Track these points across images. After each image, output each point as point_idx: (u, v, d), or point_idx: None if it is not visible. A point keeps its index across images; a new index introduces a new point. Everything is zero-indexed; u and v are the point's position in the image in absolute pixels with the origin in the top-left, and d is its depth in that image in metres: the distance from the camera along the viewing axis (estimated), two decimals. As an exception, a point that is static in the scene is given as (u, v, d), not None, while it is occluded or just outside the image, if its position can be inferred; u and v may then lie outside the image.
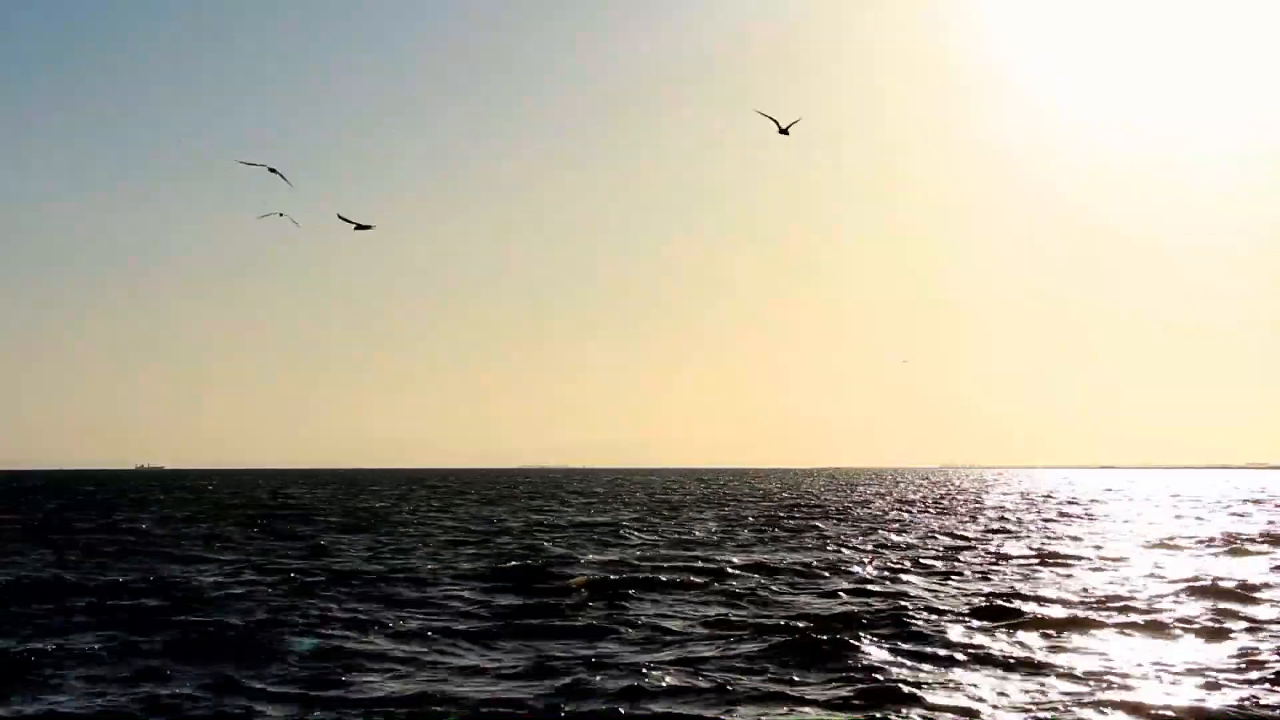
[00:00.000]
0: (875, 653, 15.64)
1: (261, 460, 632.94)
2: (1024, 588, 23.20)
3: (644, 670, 14.68)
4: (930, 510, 60.89)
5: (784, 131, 28.88)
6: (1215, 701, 13.30)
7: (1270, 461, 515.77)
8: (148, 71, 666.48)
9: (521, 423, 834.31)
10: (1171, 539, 37.41)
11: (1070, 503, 70.89)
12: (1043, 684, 14.15)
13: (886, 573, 26.01)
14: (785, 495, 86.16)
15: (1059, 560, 29.17)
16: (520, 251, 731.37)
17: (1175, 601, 21.29)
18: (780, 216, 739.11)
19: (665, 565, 27.50)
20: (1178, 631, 17.90)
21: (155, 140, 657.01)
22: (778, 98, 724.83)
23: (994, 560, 29.57)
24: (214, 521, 48.60)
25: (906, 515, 54.84)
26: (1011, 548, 33.58)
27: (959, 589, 23.09)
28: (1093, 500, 75.73)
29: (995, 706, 13.07)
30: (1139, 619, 18.95)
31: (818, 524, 46.69)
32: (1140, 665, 15.25)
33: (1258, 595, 22.22)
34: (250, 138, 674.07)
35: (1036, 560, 29.32)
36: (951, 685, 13.99)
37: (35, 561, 28.96)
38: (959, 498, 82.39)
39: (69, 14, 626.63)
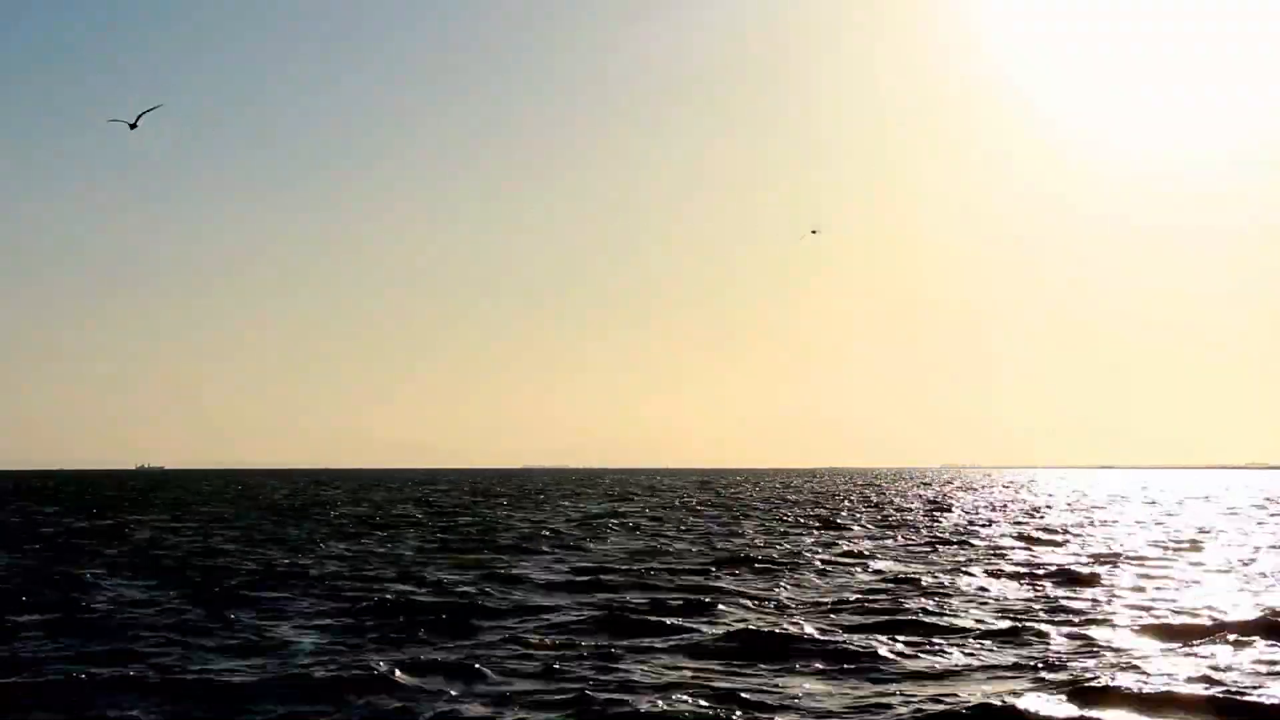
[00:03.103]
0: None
1: (261, 460, 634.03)
2: None
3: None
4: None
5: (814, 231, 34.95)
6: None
7: (1270, 461, 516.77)
8: (147, 70, 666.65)
9: (521, 423, 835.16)
10: None
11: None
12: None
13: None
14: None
15: None
16: (520, 251, 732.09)
17: None
18: (781, 216, 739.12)
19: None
20: None
21: (155, 139, 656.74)
22: (777, 97, 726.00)
23: None
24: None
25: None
26: None
27: None
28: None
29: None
30: None
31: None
32: None
33: None
34: (250, 136, 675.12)
35: None
36: None
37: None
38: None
39: (69, 13, 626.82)
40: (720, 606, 20.31)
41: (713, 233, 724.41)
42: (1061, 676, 14.34)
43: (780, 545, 35.39)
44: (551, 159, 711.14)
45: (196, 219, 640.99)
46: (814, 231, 59.84)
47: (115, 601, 21.46)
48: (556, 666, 14.95)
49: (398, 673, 14.26)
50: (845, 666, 15.06)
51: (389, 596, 21.47)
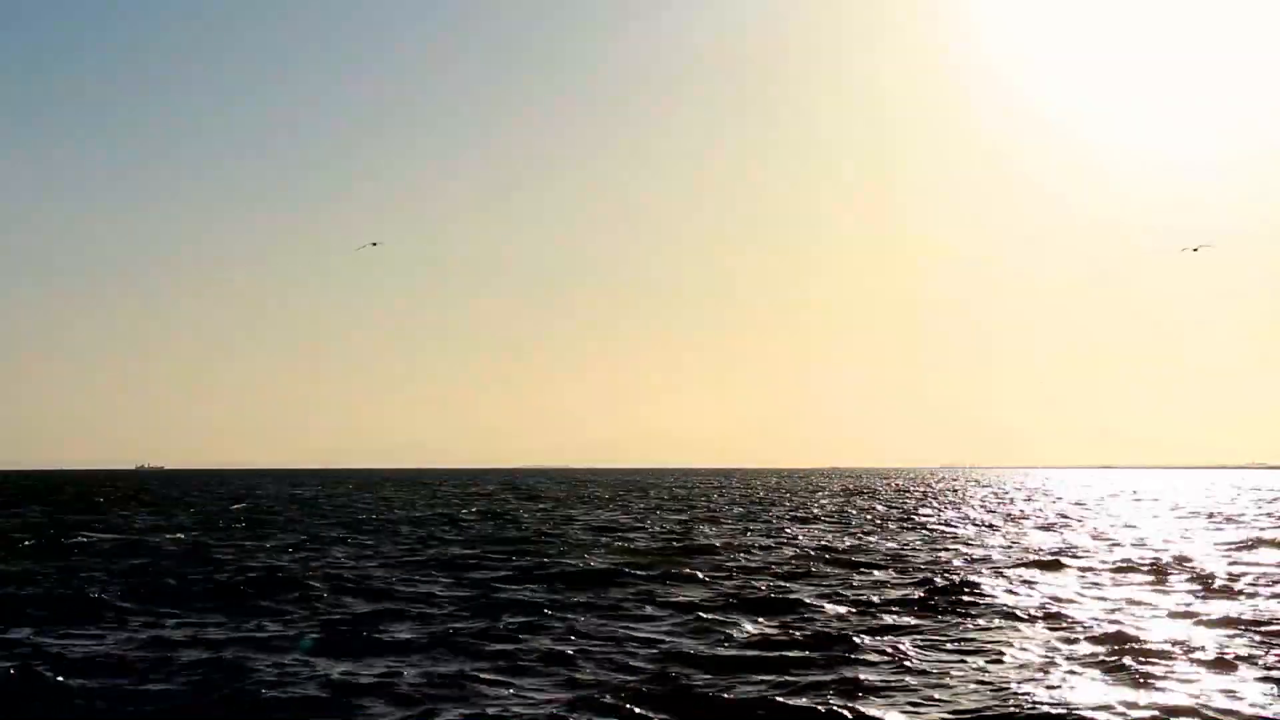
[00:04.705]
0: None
1: (261, 460, 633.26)
2: None
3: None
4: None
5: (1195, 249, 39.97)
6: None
7: (1270, 461, 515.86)
8: (146, 73, 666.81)
9: (520, 423, 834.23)
10: None
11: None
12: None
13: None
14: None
15: None
16: (519, 252, 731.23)
17: None
18: (781, 216, 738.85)
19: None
20: None
21: (155, 141, 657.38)
22: (777, 97, 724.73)
23: None
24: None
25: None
26: None
27: None
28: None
29: None
30: None
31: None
32: None
33: None
34: (250, 137, 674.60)
35: None
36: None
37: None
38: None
39: (69, 15, 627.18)
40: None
41: (714, 234, 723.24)
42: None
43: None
44: (552, 161, 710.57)
45: (197, 220, 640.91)
46: (1194, 249, 62.17)
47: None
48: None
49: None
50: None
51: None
